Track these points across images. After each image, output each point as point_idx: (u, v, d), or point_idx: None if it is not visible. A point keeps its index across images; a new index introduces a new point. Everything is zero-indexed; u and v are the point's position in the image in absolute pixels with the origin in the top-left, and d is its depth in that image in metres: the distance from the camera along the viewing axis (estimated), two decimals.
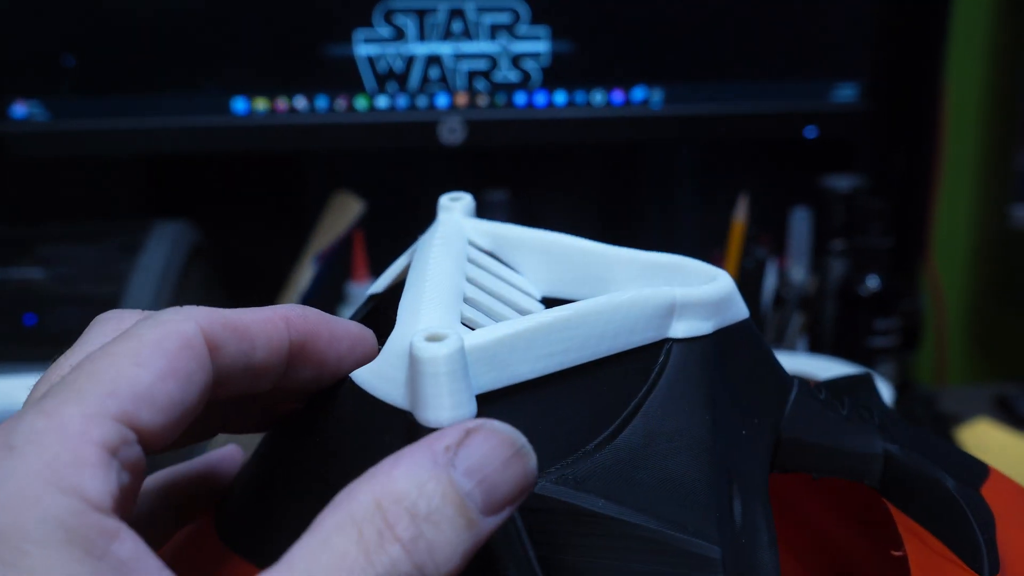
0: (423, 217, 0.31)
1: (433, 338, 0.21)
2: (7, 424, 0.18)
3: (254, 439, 0.27)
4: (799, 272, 0.80)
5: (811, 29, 0.76)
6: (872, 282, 0.74)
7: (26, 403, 0.20)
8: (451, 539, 0.18)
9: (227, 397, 0.22)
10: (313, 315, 0.23)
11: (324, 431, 0.23)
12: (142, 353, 0.19)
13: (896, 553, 0.28)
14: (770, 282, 0.75)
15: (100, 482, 0.18)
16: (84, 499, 0.17)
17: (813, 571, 0.36)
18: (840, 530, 0.35)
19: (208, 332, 0.21)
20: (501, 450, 0.20)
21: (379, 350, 0.23)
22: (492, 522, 0.19)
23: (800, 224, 0.80)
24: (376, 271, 0.77)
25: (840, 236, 0.78)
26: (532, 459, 0.20)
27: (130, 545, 0.18)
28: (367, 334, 0.24)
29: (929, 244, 0.88)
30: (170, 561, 0.25)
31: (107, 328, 0.22)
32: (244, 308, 0.22)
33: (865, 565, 0.35)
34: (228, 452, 0.28)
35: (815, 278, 0.79)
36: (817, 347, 0.77)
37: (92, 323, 0.23)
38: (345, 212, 0.77)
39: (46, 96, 0.73)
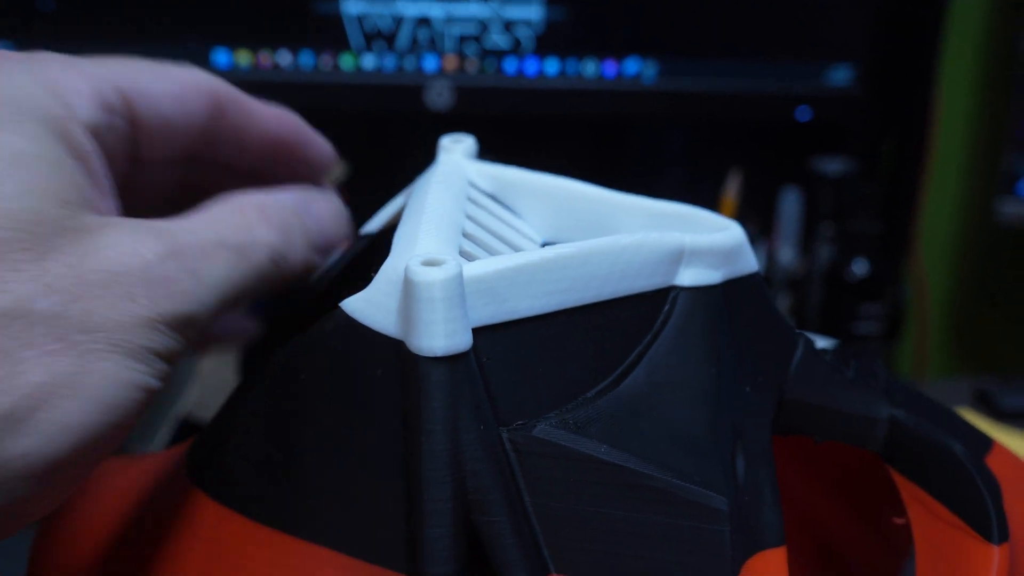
0: (407, 182, 0.30)
1: (430, 263, 0.19)
2: None
3: (217, 380, 0.26)
4: (787, 253, 0.79)
5: (809, 9, 0.75)
6: (859, 266, 0.73)
7: None
8: (300, 245, 0.25)
9: (149, 160, 0.24)
10: (233, 90, 0.25)
11: (307, 365, 0.22)
12: (159, 71, 0.22)
13: (898, 520, 0.27)
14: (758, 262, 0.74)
15: (90, 112, 0.19)
16: (74, 113, 0.19)
17: (798, 549, 0.35)
18: (826, 506, 0.35)
19: (223, 97, 0.24)
20: (330, 209, 0.28)
21: (305, 129, 0.28)
22: (316, 254, 0.27)
23: (790, 205, 0.79)
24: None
25: (829, 219, 0.77)
26: (347, 219, 0.28)
27: (99, 164, 0.20)
28: (291, 115, 0.27)
29: (915, 235, 0.88)
30: (139, 499, 0.23)
31: None
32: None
33: (851, 541, 0.34)
34: None
35: (804, 260, 0.78)
36: (803, 329, 0.76)
37: None
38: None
39: (20, 39, 0.70)
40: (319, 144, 0.28)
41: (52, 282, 0.17)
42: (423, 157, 0.30)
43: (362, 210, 0.31)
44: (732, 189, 0.72)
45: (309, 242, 0.25)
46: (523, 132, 0.86)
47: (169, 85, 0.22)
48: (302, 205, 0.25)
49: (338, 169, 0.77)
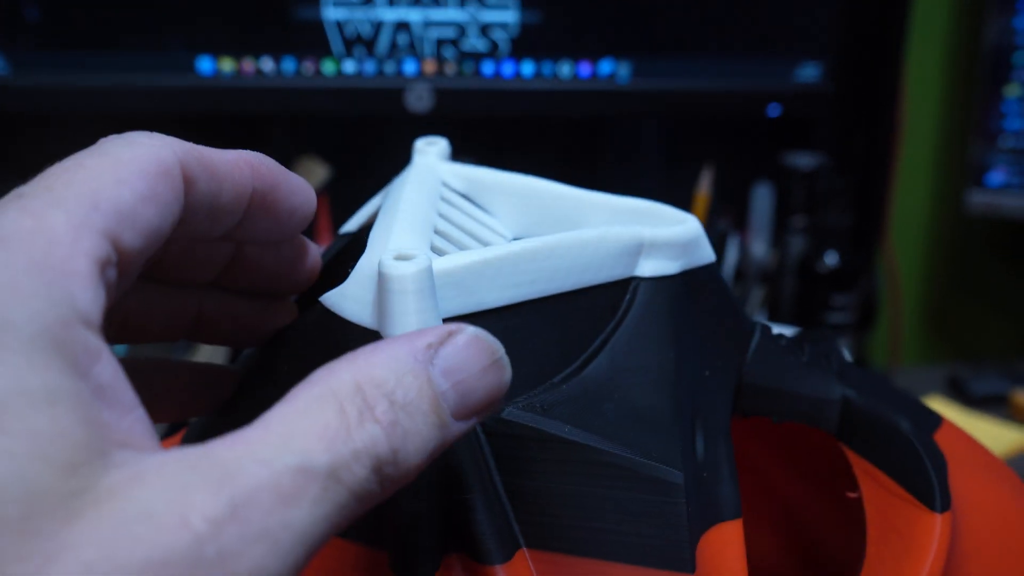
0: (389, 184, 0.31)
1: (402, 257, 0.21)
2: None
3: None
4: (760, 247, 0.81)
5: (777, 8, 0.77)
6: (831, 258, 0.75)
7: None
8: (423, 433, 0.18)
9: (183, 239, 0.21)
10: (274, 164, 0.22)
11: (293, 355, 0.23)
12: (122, 171, 0.18)
13: (851, 495, 0.29)
14: (731, 256, 0.76)
15: (91, 295, 0.16)
16: (75, 310, 0.15)
17: (763, 522, 0.37)
18: (789, 482, 0.36)
19: (184, 164, 0.19)
20: (480, 356, 0.19)
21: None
22: (460, 428, 0.19)
23: (761, 200, 0.81)
24: None
25: (801, 212, 0.79)
26: (508, 372, 0.20)
27: (111, 370, 0.16)
28: (311, 191, 0.24)
29: (886, 225, 0.90)
30: None
31: None
32: (212, 148, 0.21)
33: (813, 515, 0.35)
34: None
35: (776, 253, 0.80)
36: (776, 321, 0.78)
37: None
38: (310, 178, 0.77)
39: (7, 48, 0.71)
40: (295, 185, 0.23)
41: None
42: (404, 159, 0.31)
43: (346, 212, 0.32)
44: (704, 185, 0.73)
45: (438, 421, 0.18)
46: (502, 132, 0.88)
47: (142, 187, 0.18)
48: (423, 364, 0.18)
49: (322, 173, 0.78)
